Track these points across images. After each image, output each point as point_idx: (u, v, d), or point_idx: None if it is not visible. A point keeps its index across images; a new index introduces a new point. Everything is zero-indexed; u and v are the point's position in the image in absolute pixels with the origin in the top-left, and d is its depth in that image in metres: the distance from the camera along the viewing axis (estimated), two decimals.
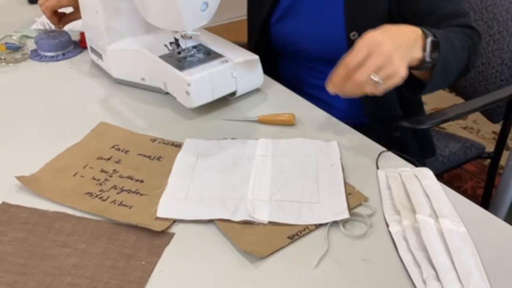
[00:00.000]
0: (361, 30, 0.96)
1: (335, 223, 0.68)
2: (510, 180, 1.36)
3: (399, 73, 0.73)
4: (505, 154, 1.36)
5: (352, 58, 0.72)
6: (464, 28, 0.91)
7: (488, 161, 1.40)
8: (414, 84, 0.86)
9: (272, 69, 1.07)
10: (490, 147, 1.39)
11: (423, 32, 0.80)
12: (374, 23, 0.96)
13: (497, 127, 1.34)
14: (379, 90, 0.73)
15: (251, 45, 1.13)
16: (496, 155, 1.36)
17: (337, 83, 0.75)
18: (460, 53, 0.87)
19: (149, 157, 0.81)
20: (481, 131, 2.26)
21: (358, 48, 0.72)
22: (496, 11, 1.25)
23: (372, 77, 0.71)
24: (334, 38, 1.00)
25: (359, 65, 0.72)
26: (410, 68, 0.80)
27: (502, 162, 1.36)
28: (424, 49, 0.79)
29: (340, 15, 0.97)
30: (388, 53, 0.71)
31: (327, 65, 1.06)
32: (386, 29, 0.75)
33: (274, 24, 1.07)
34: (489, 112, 1.31)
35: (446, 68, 0.83)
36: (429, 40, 0.79)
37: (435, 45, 0.80)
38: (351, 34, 0.97)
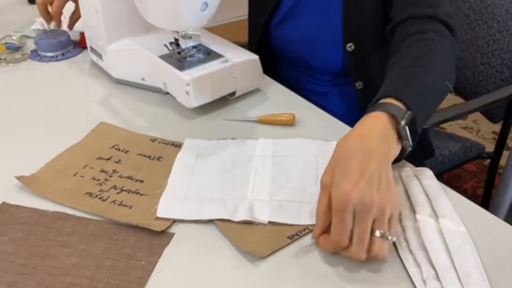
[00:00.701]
0: (357, 42, 0.96)
1: None
2: (510, 180, 1.36)
3: (397, 207, 0.61)
4: (505, 154, 1.37)
5: (341, 232, 0.59)
6: (430, 25, 0.82)
7: (488, 161, 1.41)
8: None
9: (271, 72, 1.07)
10: (490, 147, 1.39)
11: (391, 116, 0.65)
12: (371, 35, 0.96)
13: (497, 127, 1.34)
14: (388, 246, 0.61)
15: (252, 47, 1.14)
16: (496, 155, 1.36)
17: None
18: (440, 83, 0.76)
19: (149, 157, 0.81)
20: (481, 131, 2.27)
21: (340, 218, 0.59)
22: (496, 11, 1.25)
23: (376, 233, 0.59)
24: (330, 48, 1.00)
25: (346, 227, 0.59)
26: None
27: (502, 162, 1.36)
28: (400, 139, 0.66)
29: (338, 25, 0.97)
30: (375, 204, 0.58)
31: (325, 73, 1.06)
32: (353, 164, 0.60)
33: (274, 27, 1.07)
34: (489, 112, 1.32)
35: (429, 114, 0.74)
36: (402, 125, 0.65)
37: (411, 124, 0.67)
38: (348, 45, 0.97)
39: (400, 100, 0.68)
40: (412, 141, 0.68)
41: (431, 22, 0.83)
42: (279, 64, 1.17)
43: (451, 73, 0.80)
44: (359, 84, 1.01)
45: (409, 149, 0.69)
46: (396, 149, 0.67)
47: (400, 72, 0.75)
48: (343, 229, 0.59)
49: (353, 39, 0.96)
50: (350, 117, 1.05)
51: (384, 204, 0.59)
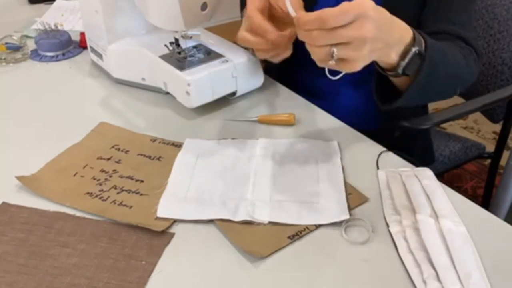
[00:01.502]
0: None
1: (335, 223, 0.68)
2: (510, 180, 1.36)
3: (356, 65, 0.64)
4: (506, 154, 1.36)
5: (334, 17, 0.60)
6: (461, 43, 0.87)
7: (489, 161, 1.40)
8: (385, 91, 0.78)
9: (278, 71, 1.05)
10: (490, 147, 1.39)
11: (413, 37, 0.71)
12: None
13: (498, 127, 1.34)
14: (324, 63, 0.64)
15: None
16: (496, 155, 1.36)
17: (301, 27, 0.63)
18: (451, 67, 0.80)
19: (149, 157, 0.81)
20: (481, 131, 2.27)
21: (346, 10, 0.61)
22: (496, 11, 1.25)
23: (332, 48, 0.62)
24: None
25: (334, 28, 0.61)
26: (380, 68, 0.73)
27: (503, 162, 1.36)
28: (402, 57, 0.71)
29: None
30: (365, 37, 0.62)
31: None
32: (382, 13, 0.65)
33: None
34: (489, 112, 1.31)
35: (431, 80, 0.75)
36: (413, 50, 0.71)
37: (417, 58, 0.71)
38: None
39: (426, 43, 0.72)
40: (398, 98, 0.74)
41: (461, 42, 0.87)
42: (289, 64, 1.15)
43: (465, 81, 0.86)
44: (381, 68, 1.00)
45: (399, 70, 0.72)
46: (394, 55, 0.70)
47: (434, 40, 0.77)
48: (338, 19, 0.60)
49: None
50: (354, 118, 1.05)
51: (366, 44, 0.62)
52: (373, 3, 0.62)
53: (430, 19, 0.91)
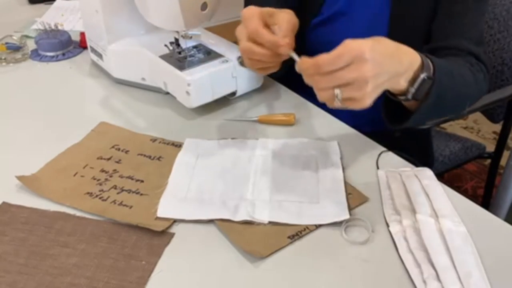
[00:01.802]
0: None
1: (335, 223, 0.68)
2: (510, 180, 1.36)
3: (364, 103, 0.65)
4: (506, 154, 1.36)
5: (329, 62, 0.62)
6: (472, 59, 0.87)
7: (489, 161, 1.40)
8: (395, 111, 0.79)
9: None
10: (490, 147, 1.39)
11: (422, 63, 0.71)
12: (415, 43, 0.96)
13: (498, 127, 1.34)
14: (331, 105, 0.66)
15: None
16: (496, 155, 1.36)
17: (302, 73, 0.66)
18: (460, 87, 0.80)
19: (149, 157, 0.81)
20: (481, 131, 2.26)
21: (341, 54, 0.62)
22: (496, 11, 1.25)
23: (335, 90, 0.64)
24: None
25: (332, 71, 0.63)
26: (390, 94, 0.74)
27: (503, 162, 1.36)
28: (411, 83, 0.71)
29: (383, 31, 0.95)
30: (365, 77, 0.62)
31: None
32: (382, 46, 0.66)
33: (312, 28, 1.02)
34: (489, 112, 1.31)
35: (440, 102, 0.76)
36: (421, 76, 0.71)
37: (426, 83, 0.72)
38: None
39: (434, 67, 0.73)
40: (407, 119, 0.75)
41: (472, 59, 0.87)
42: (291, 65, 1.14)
43: (472, 94, 0.86)
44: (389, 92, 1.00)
45: (409, 96, 0.72)
46: (403, 82, 0.70)
47: (443, 61, 0.77)
48: (333, 64, 0.62)
49: None
50: (356, 120, 1.04)
51: (368, 84, 0.63)
52: (370, 44, 0.63)
53: (441, 33, 0.90)
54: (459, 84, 0.80)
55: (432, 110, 0.77)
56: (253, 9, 0.75)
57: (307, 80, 0.66)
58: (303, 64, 0.65)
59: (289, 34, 0.74)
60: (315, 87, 0.65)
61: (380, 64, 0.64)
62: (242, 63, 0.84)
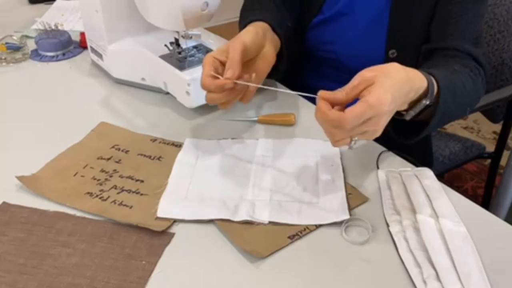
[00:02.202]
0: (400, 50, 0.95)
1: (335, 223, 0.68)
2: (510, 180, 1.36)
3: (377, 135, 0.68)
4: (506, 154, 1.37)
5: (352, 121, 0.63)
6: (470, 61, 0.87)
7: (489, 161, 1.41)
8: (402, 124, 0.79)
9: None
10: (490, 147, 1.39)
11: (427, 88, 0.72)
12: (414, 45, 0.94)
13: (498, 127, 1.34)
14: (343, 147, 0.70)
15: None
16: (496, 155, 1.36)
17: (322, 125, 0.67)
18: (462, 99, 0.82)
19: (150, 157, 0.81)
20: (481, 131, 2.26)
21: (363, 113, 0.63)
22: (496, 11, 1.25)
23: (353, 139, 0.67)
24: (372, 52, 0.98)
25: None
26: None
27: (503, 162, 1.36)
28: (411, 106, 0.73)
29: (383, 31, 0.95)
30: (381, 124, 0.65)
31: (349, 75, 1.04)
32: (398, 84, 0.67)
33: (312, 28, 1.03)
34: (489, 112, 1.32)
35: (445, 117, 0.78)
36: (423, 102, 0.73)
37: (427, 108, 0.73)
38: (390, 52, 0.96)
39: (438, 87, 0.74)
40: (415, 134, 0.77)
41: (470, 59, 0.87)
42: (295, 65, 1.14)
43: (473, 103, 0.88)
44: None
45: (406, 118, 0.74)
46: (405, 106, 0.72)
47: (444, 73, 0.78)
48: (357, 121, 0.63)
49: (397, 46, 0.95)
50: None
51: (379, 132, 0.67)
52: (389, 98, 0.64)
53: (440, 34, 0.90)
54: (462, 96, 0.81)
55: (437, 124, 0.79)
56: (207, 58, 0.77)
57: (324, 130, 0.67)
58: (325, 115, 0.64)
59: (230, 65, 0.76)
60: (331, 139, 0.67)
61: (394, 105, 0.66)
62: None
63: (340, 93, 0.66)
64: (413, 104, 0.73)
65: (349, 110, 0.63)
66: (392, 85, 0.65)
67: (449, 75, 0.79)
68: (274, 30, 0.89)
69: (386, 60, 0.97)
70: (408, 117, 0.74)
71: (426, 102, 0.72)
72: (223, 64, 0.78)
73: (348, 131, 0.64)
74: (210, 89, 0.75)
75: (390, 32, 0.95)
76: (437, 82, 0.74)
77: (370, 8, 0.97)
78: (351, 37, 1.00)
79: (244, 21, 0.90)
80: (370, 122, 0.64)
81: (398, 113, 0.74)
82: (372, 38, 0.98)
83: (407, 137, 0.79)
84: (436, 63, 0.86)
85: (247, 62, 0.81)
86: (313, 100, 0.96)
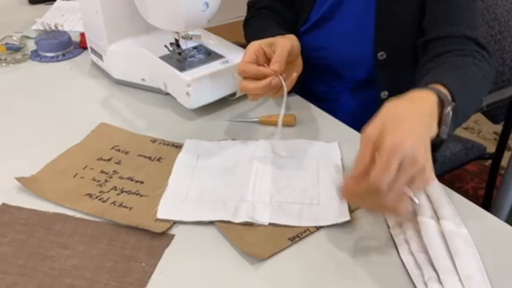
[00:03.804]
0: (389, 51, 0.94)
1: (336, 225, 0.68)
2: (511, 181, 1.36)
3: (430, 179, 0.61)
4: (507, 154, 1.36)
5: (384, 174, 0.56)
6: (470, 45, 0.83)
7: (489, 161, 1.40)
8: None
9: None
10: (491, 148, 1.38)
11: (439, 99, 0.67)
12: (403, 45, 0.93)
13: (498, 128, 1.34)
14: (405, 206, 0.61)
15: None
16: (497, 156, 1.36)
17: (359, 197, 0.62)
18: (475, 94, 0.78)
19: (149, 158, 0.81)
20: (482, 131, 2.26)
21: (389, 160, 0.57)
22: (497, 11, 1.24)
23: (407, 193, 0.59)
24: (361, 55, 0.97)
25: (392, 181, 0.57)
26: None
27: (504, 162, 1.36)
28: (440, 123, 0.67)
29: (370, 33, 0.95)
30: (422, 161, 0.58)
31: (349, 80, 1.04)
32: (408, 116, 0.61)
33: (302, 33, 1.03)
34: (490, 113, 1.31)
35: (463, 117, 0.74)
36: (446, 111, 0.66)
37: (452, 114, 0.68)
38: (379, 54, 0.95)
39: (448, 90, 0.69)
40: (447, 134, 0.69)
41: (470, 44, 0.83)
42: None
43: (486, 91, 0.82)
44: (384, 94, 0.98)
45: (444, 136, 0.68)
46: (435, 128, 0.66)
47: (448, 72, 0.76)
48: (388, 173, 0.56)
49: (385, 48, 0.95)
50: (363, 121, 1.04)
51: (426, 165, 0.59)
52: (403, 133, 0.58)
53: (433, 24, 0.89)
54: (474, 92, 0.78)
55: (459, 124, 0.75)
56: (252, 45, 0.78)
57: (390, 199, 0.58)
58: (354, 188, 0.60)
59: (279, 59, 0.76)
60: (388, 200, 0.58)
61: (420, 137, 0.60)
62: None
63: (356, 168, 0.60)
64: (439, 122, 0.67)
65: (372, 167, 0.57)
66: (401, 122, 0.60)
67: (456, 75, 0.76)
68: None
69: (376, 63, 0.96)
70: (445, 136, 0.68)
71: (449, 110, 0.67)
72: (265, 54, 0.78)
73: (389, 187, 0.57)
74: (250, 75, 0.74)
75: (377, 34, 0.94)
76: (448, 89, 0.70)
77: (355, 11, 0.97)
78: (339, 42, 1.00)
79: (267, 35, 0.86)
80: (409, 168, 0.57)
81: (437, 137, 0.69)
82: (360, 41, 0.97)
83: (436, 149, 0.73)
84: (437, 63, 0.83)
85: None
86: (313, 101, 0.97)
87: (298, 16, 1.04)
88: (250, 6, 1.11)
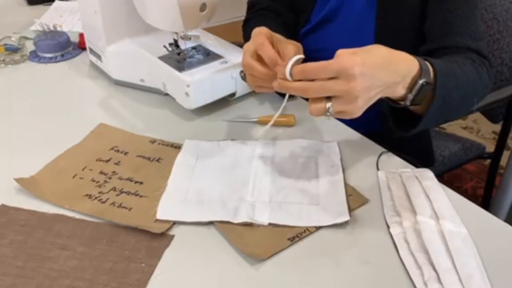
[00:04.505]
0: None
1: (335, 225, 0.68)
2: (510, 180, 1.36)
3: (354, 115, 0.65)
4: (506, 154, 1.36)
5: (316, 70, 0.63)
6: (472, 54, 0.85)
7: (489, 161, 1.40)
8: (401, 115, 0.78)
9: None
10: (490, 147, 1.38)
11: (420, 68, 0.70)
12: (403, 44, 0.94)
13: (497, 127, 1.34)
14: (321, 116, 0.66)
15: None
16: (496, 155, 1.35)
17: (285, 82, 0.67)
18: (465, 87, 0.79)
19: (149, 158, 0.81)
20: (481, 131, 2.26)
21: (328, 65, 0.62)
22: (496, 11, 1.24)
23: (327, 104, 0.64)
24: None
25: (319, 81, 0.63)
26: (389, 100, 0.73)
27: (503, 162, 1.36)
28: (409, 90, 0.70)
29: (370, 36, 0.95)
30: (354, 91, 0.62)
31: None
32: (374, 57, 0.65)
33: (302, 36, 1.04)
34: (489, 112, 1.31)
35: (446, 104, 0.75)
36: (420, 82, 0.69)
37: (426, 89, 0.70)
38: None
39: (433, 68, 0.72)
40: (413, 125, 0.75)
41: (473, 54, 0.85)
42: None
43: (479, 94, 0.84)
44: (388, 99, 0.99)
45: (407, 103, 0.71)
46: (401, 89, 0.69)
47: (441, 60, 0.77)
48: (320, 72, 0.63)
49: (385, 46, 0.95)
50: (362, 120, 1.04)
51: (358, 98, 0.63)
52: (360, 57, 0.62)
53: (435, 34, 0.89)
54: (464, 84, 0.79)
55: (439, 113, 0.76)
56: (264, 28, 0.77)
57: (298, 90, 0.66)
58: (293, 69, 0.65)
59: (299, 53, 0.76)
60: (304, 95, 0.66)
61: (371, 77, 0.63)
62: (244, 77, 0.85)
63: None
64: (410, 88, 0.70)
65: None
66: (368, 56, 0.63)
67: (447, 63, 0.78)
68: None
69: None
70: (408, 102, 0.71)
71: (422, 81, 0.69)
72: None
73: (318, 84, 0.63)
74: (264, 54, 0.73)
75: (377, 36, 0.94)
76: (432, 66, 0.73)
77: (356, 12, 0.96)
78: (339, 43, 0.99)
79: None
80: (339, 82, 0.62)
81: (397, 102, 0.73)
82: (361, 43, 0.97)
83: (409, 130, 0.77)
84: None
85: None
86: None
87: (298, 17, 1.04)
88: (250, 7, 1.11)
